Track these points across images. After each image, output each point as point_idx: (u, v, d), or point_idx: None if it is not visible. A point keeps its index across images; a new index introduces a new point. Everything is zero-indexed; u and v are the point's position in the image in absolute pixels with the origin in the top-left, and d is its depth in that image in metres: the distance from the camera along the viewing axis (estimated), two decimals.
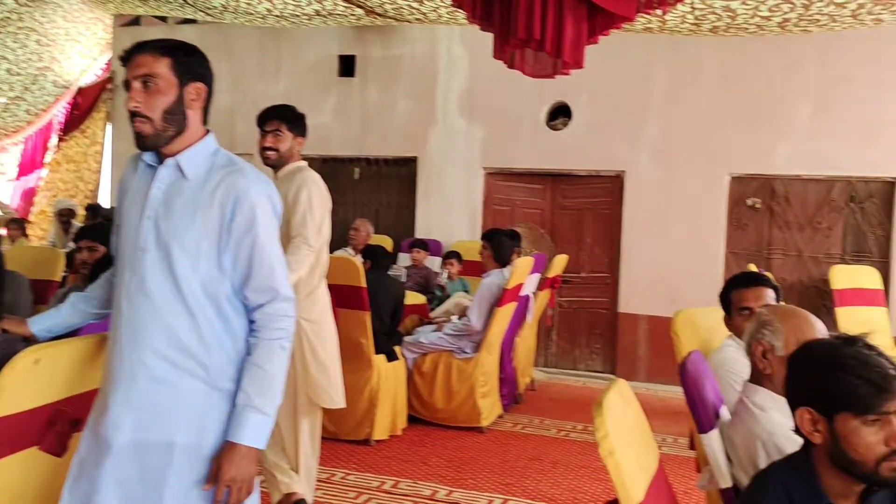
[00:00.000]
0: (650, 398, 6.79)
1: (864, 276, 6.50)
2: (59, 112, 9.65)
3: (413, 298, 6.30)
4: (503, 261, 5.74)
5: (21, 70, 8.91)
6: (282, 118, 3.47)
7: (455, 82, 7.77)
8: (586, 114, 7.36)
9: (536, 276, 6.19)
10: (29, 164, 9.78)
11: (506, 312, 5.58)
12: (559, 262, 6.56)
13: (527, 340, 6.55)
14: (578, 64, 3.80)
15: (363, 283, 4.76)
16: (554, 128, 7.48)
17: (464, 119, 7.74)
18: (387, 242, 7.73)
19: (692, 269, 7.08)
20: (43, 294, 4.12)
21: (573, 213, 7.59)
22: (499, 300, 5.45)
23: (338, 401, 3.66)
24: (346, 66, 8.20)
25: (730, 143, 7.01)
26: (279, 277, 1.87)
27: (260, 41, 8.49)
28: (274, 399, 1.86)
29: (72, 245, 6.01)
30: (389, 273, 5.60)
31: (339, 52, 8.18)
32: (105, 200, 9.36)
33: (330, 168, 8.32)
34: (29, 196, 9.85)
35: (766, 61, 6.87)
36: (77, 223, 8.08)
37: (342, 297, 4.70)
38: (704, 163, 7.07)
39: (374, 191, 8.23)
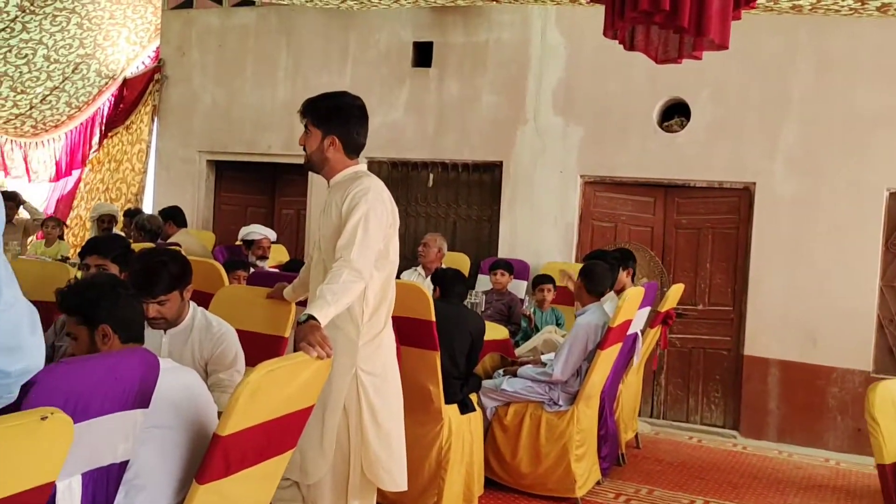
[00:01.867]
0: (783, 464, 6.01)
1: None
2: (102, 105, 9.51)
3: (494, 332, 5.69)
4: (600, 292, 5.11)
5: (60, 57, 8.73)
6: (307, 111, 3.08)
7: (550, 74, 7.22)
8: (708, 113, 6.68)
9: (646, 311, 5.52)
10: (69, 164, 9.66)
11: (609, 357, 4.94)
12: (674, 293, 5.87)
13: (631, 387, 5.89)
14: (724, 43, 3.13)
15: (432, 316, 4.21)
16: (668, 129, 6.84)
17: (559, 117, 7.18)
18: (463, 262, 7.29)
19: (837, 305, 6.27)
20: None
21: (690, 233, 6.91)
22: (599, 343, 4.80)
23: (400, 482, 3.17)
24: (422, 54, 7.75)
25: (890, 150, 6.18)
26: None
27: (325, 26, 8.09)
28: None
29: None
30: (465, 303, 4.99)
31: (414, 38, 7.74)
32: (148, 205, 9.10)
33: (400, 173, 7.87)
34: (67, 200, 9.74)
35: None
36: (118, 231, 7.80)
37: (406, 332, 4.16)
38: (856, 175, 6.27)
39: (450, 200, 7.77)
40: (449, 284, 4.78)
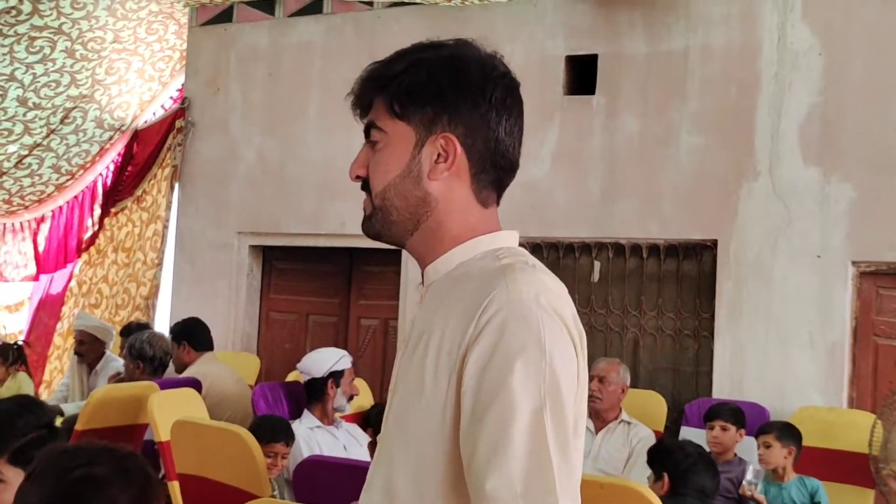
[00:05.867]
0: None
1: None
2: (104, 170, 8.98)
3: None
4: None
5: (43, 100, 8.11)
6: (377, 83, 1.83)
7: (795, 99, 6.28)
8: None
9: None
10: (56, 255, 9.12)
11: None
12: None
13: None
14: None
15: None
16: None
17: (814, 169, 6.21)
18: (656, 406, 6.30)
19: None
20: None
21: None
22: None
23: None
24: (581, 74, 7.00)
25: None
26: None
27: (426, 35, 7.00)
28: None
29: None
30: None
31: (568, 50, 6.98)
32: (163, 315, 8.34)
33: (547, 261, 6.77)
34: (53, 307, 9.09)
35: None
36: (115, 356, 7.04)
37: None
38: None
39: (629, 305, 6.81)
40: (684, 473, 3.75)
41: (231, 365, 6.67)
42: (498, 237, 1.77)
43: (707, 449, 5.47)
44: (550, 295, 1.63)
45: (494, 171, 1.77)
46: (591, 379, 5.55)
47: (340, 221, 7.45)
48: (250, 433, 3.80)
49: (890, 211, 5.96)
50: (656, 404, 6.22)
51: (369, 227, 1.82)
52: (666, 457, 3.87)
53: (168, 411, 4.45)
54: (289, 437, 4.51)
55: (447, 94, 1.75)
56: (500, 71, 1.81)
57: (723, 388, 6.27)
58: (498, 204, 1.82)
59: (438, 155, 1.73)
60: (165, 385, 5.35)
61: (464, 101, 1.75)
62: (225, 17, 8.15)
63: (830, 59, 6.14)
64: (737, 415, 5.50)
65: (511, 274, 1.63)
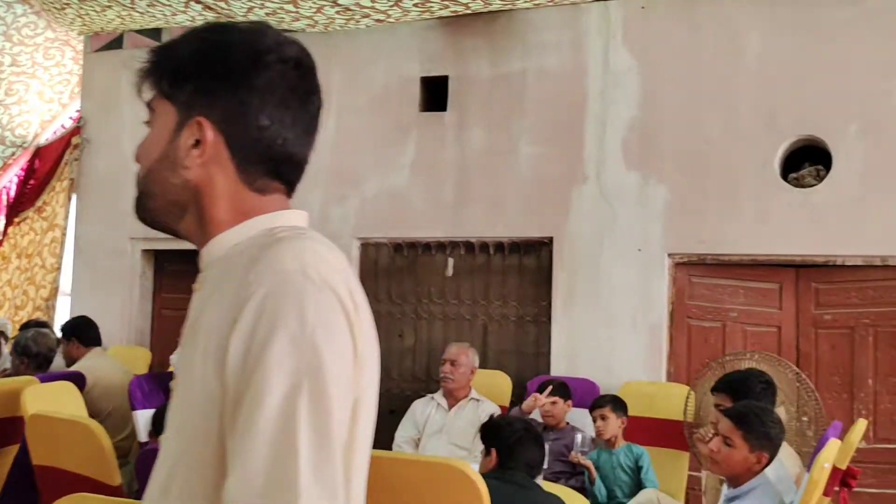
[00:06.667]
0: None
1: None
2: (8, 183, 8.33)
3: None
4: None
5: None
6: (152, 64, 1.49)
7: (618, 112, 6.09)
8: (860, 158, 5.44)
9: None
10: None
11: None
12: (856, 437, 4.16)
13: None
14: None
15: None
16: (799, 183, 5.62)
17: (634, 173, 6.01)
18: (501, 384, 5.99)
19: None
20: None
21: (838, 335, 5.60)
22: None
23: None
24: (433, 93, 6.67)
25: None
26: None
27: None
28: None
29: None
30: (536, 478, 3.38)
31: (422, 72, 6.64)
32: (62, 312, 7.79)
33: (406, 259, 6.71)
34: None
35: None
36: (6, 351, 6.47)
37: None
38: None
39: (478, 295, 6.56)
40: (511, 447, 3.32)
41: (124, 358, 6.26)
42: (278, 216, 1.41)
43: (541, 421, 5.31)
44: (322, 265, 1.29)
45: (263, 162, 1.41)
46: (443, 362, 5.40)
47: None
48: (100, 426, 3.40)
49: (699, 209, 5.84)
50: (502, 382, 5.99)
51: (137, 213, 1.48)
52: (494, 432, 3.48)
53: (43, 404, 4.05)
54: None
55: (208, 75, 1.40)
56: (282, 56, 1.42)
57: (560, 367, 6.05)
58: (290, 195, 1.47)
59: (197, 141, 1.38)
60: (47, 379, 4.89)
61: (223, 83, 1.39)
62: (116, 44, 7.57)
63: (647, 78, 6.01)
64: (562, 388, 5.30)
65: (277, 245, 1.30)
